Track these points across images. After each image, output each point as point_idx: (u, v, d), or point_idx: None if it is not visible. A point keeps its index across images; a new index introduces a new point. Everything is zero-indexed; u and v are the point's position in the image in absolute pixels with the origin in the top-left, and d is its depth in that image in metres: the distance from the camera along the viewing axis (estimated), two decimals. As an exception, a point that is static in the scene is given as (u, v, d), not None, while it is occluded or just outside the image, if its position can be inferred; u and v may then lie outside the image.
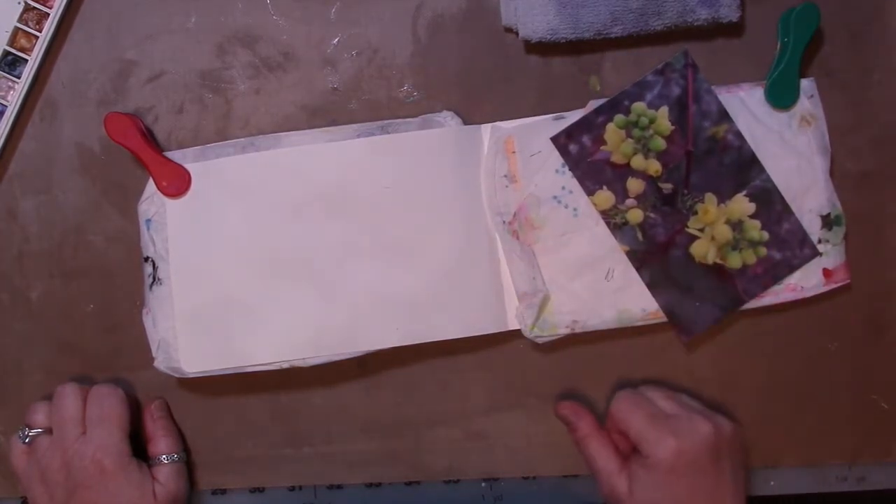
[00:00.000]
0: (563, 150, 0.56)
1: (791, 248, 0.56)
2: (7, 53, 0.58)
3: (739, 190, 0.56)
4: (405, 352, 0.57)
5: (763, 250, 0.56)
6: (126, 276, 0.59)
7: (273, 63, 0.59)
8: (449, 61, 0.58)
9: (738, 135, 0.56)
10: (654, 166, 0.56)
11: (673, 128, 0.56)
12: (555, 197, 0.56)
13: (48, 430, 0.56)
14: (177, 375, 0.57)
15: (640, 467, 0.53)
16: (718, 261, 0.56)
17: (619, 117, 0.56)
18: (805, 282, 0.56)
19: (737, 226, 0.56)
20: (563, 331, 0.56)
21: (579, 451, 0.56)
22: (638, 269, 0.56)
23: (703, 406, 0.56)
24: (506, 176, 0.56)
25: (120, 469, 0.54)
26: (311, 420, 0.60)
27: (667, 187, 0.56)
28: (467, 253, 0.57)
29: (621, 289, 0.56)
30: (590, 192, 0.56)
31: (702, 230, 0.56)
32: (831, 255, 0.56)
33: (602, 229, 0.56)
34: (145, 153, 0.56)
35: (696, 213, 0.56)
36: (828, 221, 0.56)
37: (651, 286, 0.56)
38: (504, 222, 0.56)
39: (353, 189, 0.56)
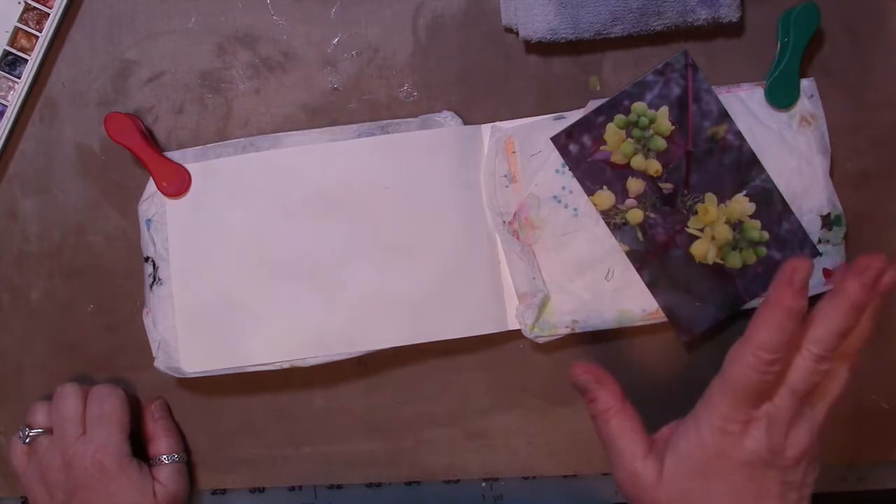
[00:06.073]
0: (563, 150, 0.56)
1: (791, 248, 0.56)
2: (7, 53, 0.58)
3: (739, 190, 0.56)
4: (405, 352, 0.57)
5: (763, 250, 0.56)
6: (126, 276, 0.59)
7: (273, 63, 0.59)
8: (449, 61, 0.58)
9: (738, 135, 0.56)
10: (654, 166, 0.56)
11: (673, 128, 0.56)
12: (555, 197, 0.56)
13: (48, 430, 0.56)
14: (177, 375, 0.57)
15: (677, 456, 0.45)
16: (718, 261, 0.56)
17: (619, 117, 0.56)
18: (805, 282, 0.56)
19: (737, 226, 0.56)
20: (563, 331, 0.56)
21: (595, 427, 0.47)
22: (638, 269, 0.56)
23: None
24: (506, 176, 0.56)
25: (120, 469, 0.54)
26: (311, 420, 0.60)
27: (667, 187, 0.56)
28: (467, 253, 0.57)
29: (621, 289, 0.56)
30: (590, 192, 0.56)
31: (702, 230, 0.56)
32: (831, 255, 0.56)
33: (602, 229, 0.56)
34: (145, 153, 0.56)
35: (696, 213, 0.56)
36: (828, 221, 0.56)
37: (651, 286, 0.56)
38: (504, 222, 0.56)
39: (353, 189, 0.56)
